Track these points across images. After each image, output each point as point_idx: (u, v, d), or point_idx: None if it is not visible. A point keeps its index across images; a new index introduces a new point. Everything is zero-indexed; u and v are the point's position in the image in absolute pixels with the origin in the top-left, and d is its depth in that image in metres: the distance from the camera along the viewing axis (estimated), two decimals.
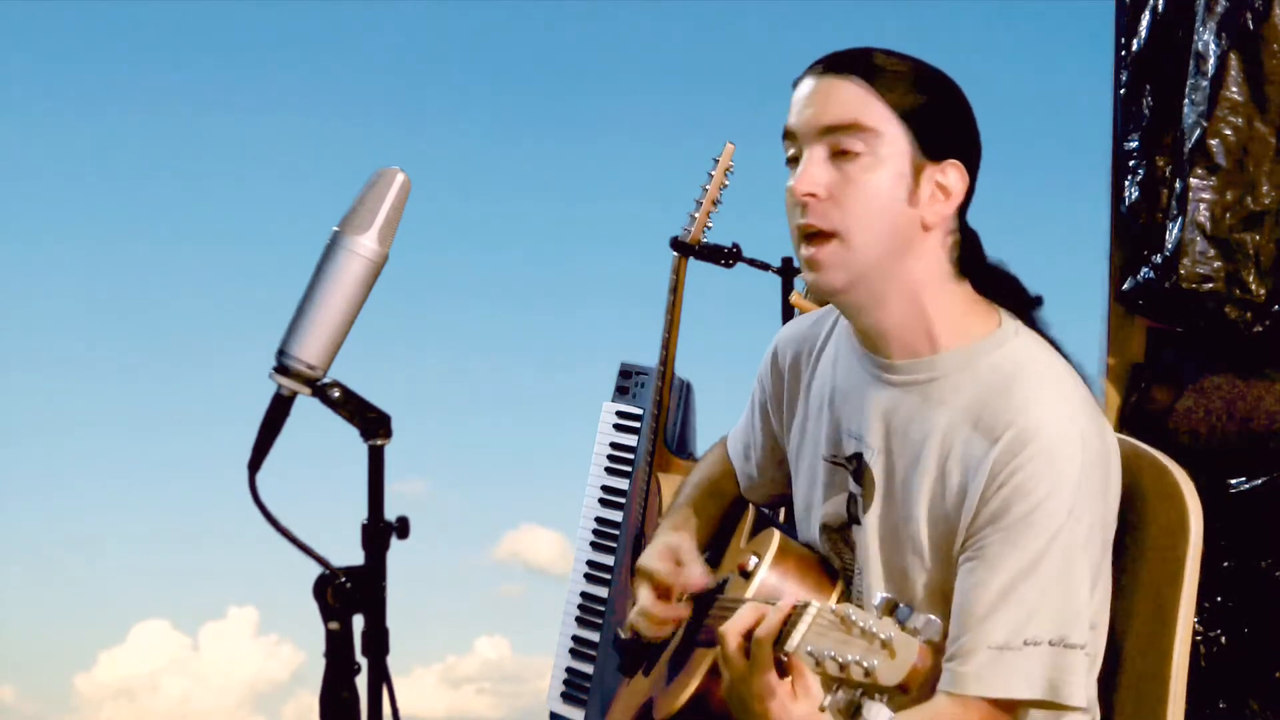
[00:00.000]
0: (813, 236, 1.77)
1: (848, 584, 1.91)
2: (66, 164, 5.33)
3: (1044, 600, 1.68)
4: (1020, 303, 1.86)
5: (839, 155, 1.76)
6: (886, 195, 1.75)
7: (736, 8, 5.17)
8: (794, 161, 1.80)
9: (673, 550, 2.08)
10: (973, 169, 1.83)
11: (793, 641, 1.49)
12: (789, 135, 1.81)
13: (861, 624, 1.43)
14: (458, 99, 5.38)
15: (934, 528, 1.77)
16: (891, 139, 1.75)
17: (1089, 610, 1.73)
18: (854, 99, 1.76)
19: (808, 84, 1.80)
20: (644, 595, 2.06)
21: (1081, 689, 1.70)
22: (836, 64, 1.78)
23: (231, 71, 5.34)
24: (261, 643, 5.27)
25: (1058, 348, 1.83)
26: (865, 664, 1.41)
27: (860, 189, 1.75)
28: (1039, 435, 1.70)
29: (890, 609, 1.43)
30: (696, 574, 2.04)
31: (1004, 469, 1.70)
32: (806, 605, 1.51)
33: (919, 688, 1.43)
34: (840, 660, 1.43)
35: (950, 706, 1.70)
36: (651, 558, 2.08)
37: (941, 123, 1.78)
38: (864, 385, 1.87)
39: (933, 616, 1.42)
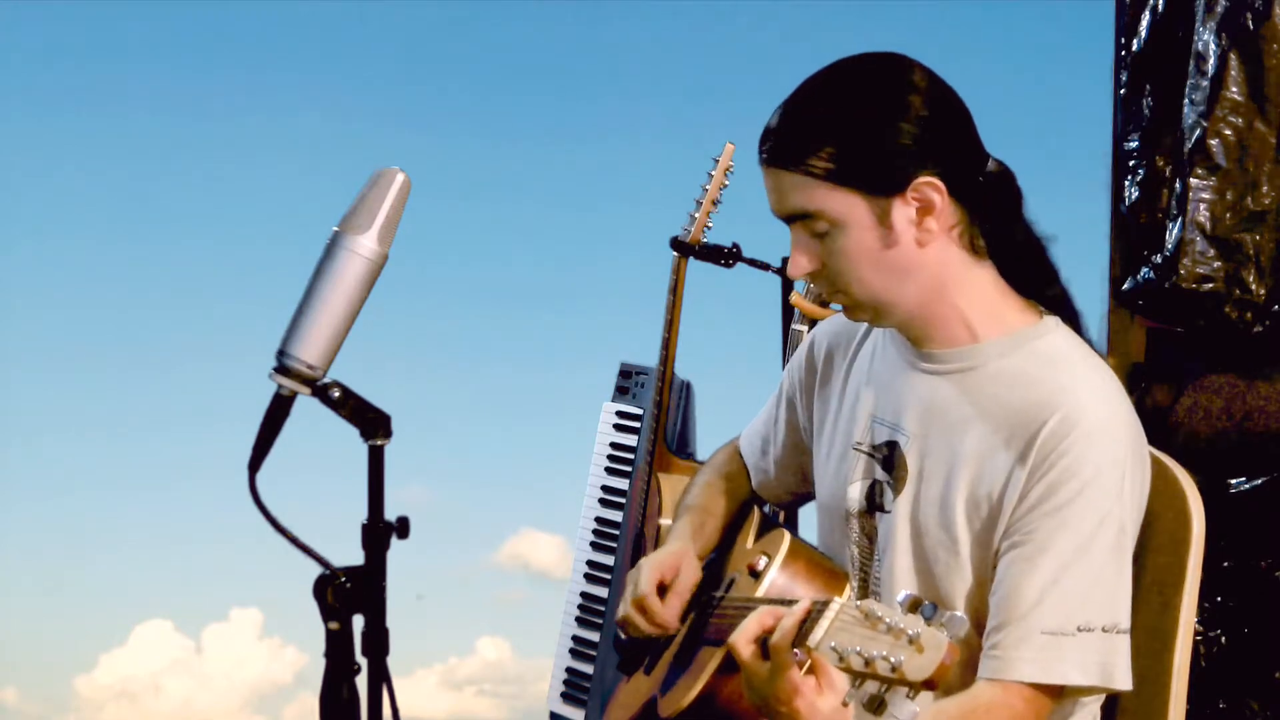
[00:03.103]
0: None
1: (860, 577, 1.91)
2: (67, 164, 5.33)
3: (1096, 585, 1.69)
4: (1045, 277, 1.87)
5: (814, 233, 1.80)
6: (863, 253, 1.78)
7: (736, 8, 5.18)
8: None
9: (664, 573, 2.08)
10: (949, 160, 1.77)
11: (814, 638, 1.48)
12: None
13: (887, 619, 1.42)
14: (458, 100, 5.39)
15: (973, 514, 1.77)
16: (839, 207, 1.76)
17: (1130, 593, 1.73)
18: (791, 189, 1.78)
19: (762, 172, 1.83)
20: (633, 611, 2.07)
21: (1129, 673, 1.71)
22: (766, 155, 1.81)
23: (232, 71, 5.35)
24: (265, 645, 5.27)
25: (1092, 346, 1.85)
26: (892, 659, 1.40)
27: (840, 259, 1.79)
28: (1085, 419, 1.71)
29: (914, 606, 1.42)
30: (672, 609, 2.05)
31: (1051, 452, 1.71)
32: (828, 602, 1.51)
33: (944, 685, 1.42)
34: (865, 656, 1.41)
35: (991, 692, 1.70)
36: (646, 574, 2.07)
37: (885, 156, 1.75)
38: (902, 373, 1.89)
39: (959, 613, 1.41)
